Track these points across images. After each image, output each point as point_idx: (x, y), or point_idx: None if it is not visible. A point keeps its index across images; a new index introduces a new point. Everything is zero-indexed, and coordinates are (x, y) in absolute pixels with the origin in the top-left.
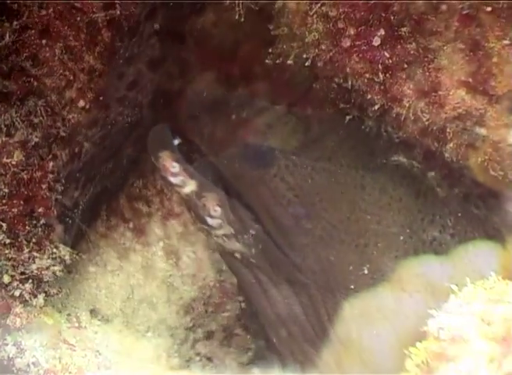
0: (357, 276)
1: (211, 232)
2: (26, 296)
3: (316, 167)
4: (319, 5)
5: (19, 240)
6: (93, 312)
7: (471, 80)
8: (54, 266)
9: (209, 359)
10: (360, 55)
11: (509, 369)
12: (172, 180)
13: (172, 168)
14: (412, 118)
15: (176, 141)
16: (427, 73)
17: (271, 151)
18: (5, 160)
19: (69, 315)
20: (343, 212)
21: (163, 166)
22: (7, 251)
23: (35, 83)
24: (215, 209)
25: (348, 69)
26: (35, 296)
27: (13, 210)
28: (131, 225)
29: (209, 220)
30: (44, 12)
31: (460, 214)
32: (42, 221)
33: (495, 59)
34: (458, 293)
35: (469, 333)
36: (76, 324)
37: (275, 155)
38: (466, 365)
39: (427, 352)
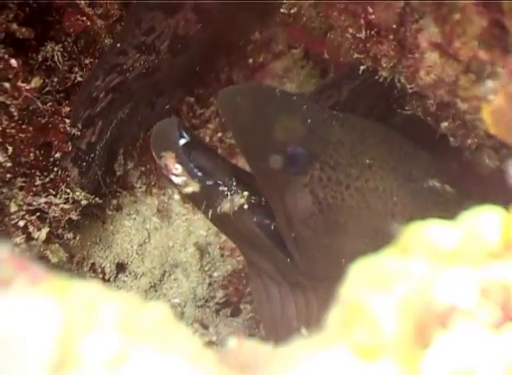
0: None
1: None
2: (30, 228)
3: (351, 186)
4: None
5: (35, 183)
6: (120, 267)
7: (440, 41)
8: (70, 210)
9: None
10: (342, 7)
11: (509, 337)
12: (174, 179)
13: (175, 170)
14: (425, 70)
15: (183, 140)
16: (407, 34)
17: (310, 158)
18: (20, 84)
19: (93, 264)
20: (366, 231)
21: (165, 165)
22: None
23: (51, 29)
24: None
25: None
26: (39, 229)
27: (21, 135)
28: (148, 169)
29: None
30: None
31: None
32: (57, 155)
33: (457, 16)
34: (461, 258)
35: (469, 300)
36: (101, 275)
37: (313, 164)
38: (465, 333)
39: (427, 320)
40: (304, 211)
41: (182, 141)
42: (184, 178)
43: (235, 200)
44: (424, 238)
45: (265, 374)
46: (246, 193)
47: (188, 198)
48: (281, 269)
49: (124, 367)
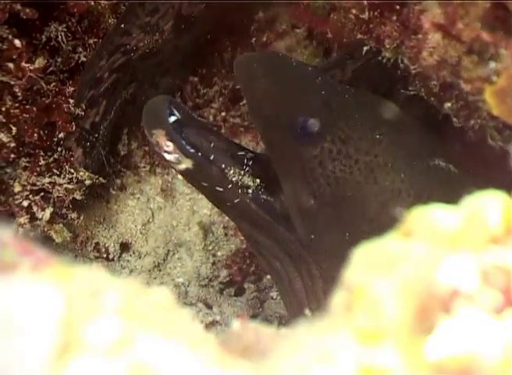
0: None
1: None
2: (34, 208)
3: (360, 161)
4: None
5: (39, 163)
6: (124, 246)
7: (443, 22)
8: (74, 190)
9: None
10: None
11: (510, 322)
12: (166, 156)
13: (166, 147)
14: (428, 51)
15: (173, 118)
16: (410, 14)
17: (321, 130)
18: (23, 64)
19: (97, 244)
20: (372, 206)
21: (156, 142)
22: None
23: (55, 9)
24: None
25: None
26: (43, 209)
27: (24, 115)
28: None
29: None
30: None
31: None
32: (61, 135)
33: None
34: (463, 243)
35: (471, 285)
36: (105, 255)
37: (323, 135)
38: (467, 318)
39: (429, 304)
40: (311, 182)
41: (172, 118)
42: (176, 155)
43: (230, 176)
44: (427, 222)
45: (268, 357)
46: (240, 170)
47: (182, 175)
48: (282, 244)
49: (127, 352)
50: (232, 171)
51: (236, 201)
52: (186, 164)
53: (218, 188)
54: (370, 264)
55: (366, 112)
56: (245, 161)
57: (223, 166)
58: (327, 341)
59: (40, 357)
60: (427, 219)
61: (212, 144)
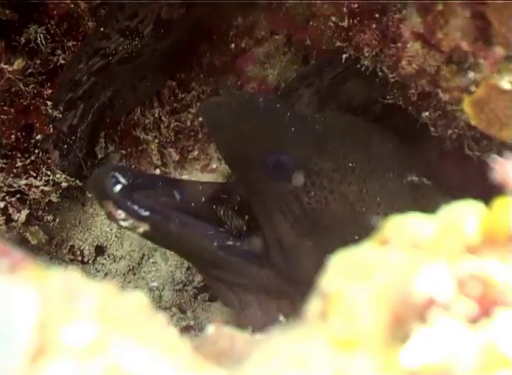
0: None
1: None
2: (10, 210)
3: (335, 191)
4: None
5: (16, 165)
6: (99, 249)
7: (423, 31)
8: (50, 192)
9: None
10: None
11: (486, 330)
12: (123, 223)
13: (118, 215)
14: (407, 60)
15: (119, 186)
16: (390, 23)
17: (294, 165)
18: (2, 65)
19: (72, 247)
20: (350, 233)
21: (109, 213)
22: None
23: (35, 11)
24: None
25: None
26: (19, 211)
27: (2, 116)
28: (128, 152)
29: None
30: None
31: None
32: (38, 137)
33: (440, 7)
34: (439, 252)
35: (447, 294)
36: (80, 258)
37: (297, 170)
38: (442, 327)
39: (404, 312)
40: (289, 216)
41: (118, 187)
42: (131, 220)
43: (190, 230)
44: (404, 231)
45: (242, 362)
46: (199, 221)
47: (143, 237)
48: (257, 281)
49: (102, 355)
50: (191, 224)
51: (201, 252)
52: (144, 227)
53: (180, 244)
54: (345, 272)
55: (337, 142)
56: (203, 208)
57: (181, 221)
58: (302, 348)
59: (14, 359)
60: (403, 228)
61: (164, 202)
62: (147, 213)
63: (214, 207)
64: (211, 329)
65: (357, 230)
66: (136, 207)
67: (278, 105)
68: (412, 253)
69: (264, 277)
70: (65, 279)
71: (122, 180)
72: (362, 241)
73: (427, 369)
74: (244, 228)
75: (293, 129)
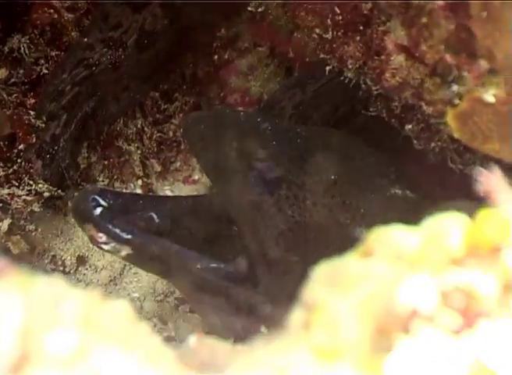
0: None
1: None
2: None
3: (317, 203)
4: None
5: None
6: (81, 260)
7: (407, 43)
8: (33, 202)
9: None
10: (310, 7)
11: (469, 342)
12: (104, 247)
13: (99, 238)
14: (391, 72)
15: (99, 209)
16: (374, 35)
17: (276, 179)
18: None
19: (54, 257)
20: (335, 246)
21: (90, 236)
22: None
23: (18, 21)
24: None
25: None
26: (1, 220)
27: None
28: (111, 163)
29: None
30: None
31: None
32: (21, 147)
33: (424, 20)
34: (423, 264)
35: (430, 306)
36: (61, 268)
37: (280, 184)
38: (426, 339)
39: (388, 324)
40: (273, 230)
41: (98, 210)
42: (113, 244)
43: (172, 254)
44: (387, 243)
45: (224, 372)
46: (181, 246)
47: (126, 261)
48: (241, 303)
49: (84, 363)
50: (173, 248)
51: (184, 276)
52: (126, 251)
53: (163, 267)
54: (329, 283)
55: (319, 154)
56: (184, 227)
57: (164, 244)
58: (283, 358)
59: None
60: (387, 240)
61: (144, 225)
62: (129, 236)
63: (195, 224)
64: (192, 339)
65: (342, 243)
66: (117, 230)
67: (258, 119)
68: (396, 265)
69: (251, 299)
70: (49, 286)
71: (103, 202)
72: (347, 254)
73: None
74: (227, 247)
75: (274, 143)
